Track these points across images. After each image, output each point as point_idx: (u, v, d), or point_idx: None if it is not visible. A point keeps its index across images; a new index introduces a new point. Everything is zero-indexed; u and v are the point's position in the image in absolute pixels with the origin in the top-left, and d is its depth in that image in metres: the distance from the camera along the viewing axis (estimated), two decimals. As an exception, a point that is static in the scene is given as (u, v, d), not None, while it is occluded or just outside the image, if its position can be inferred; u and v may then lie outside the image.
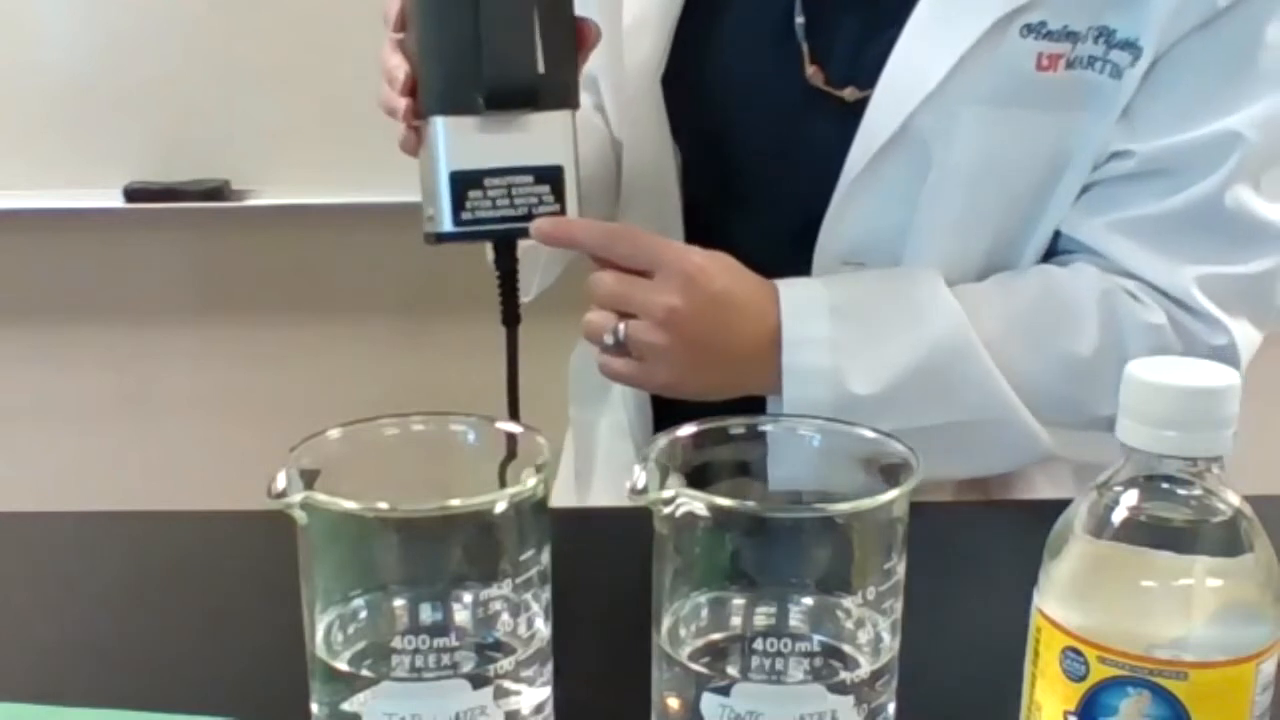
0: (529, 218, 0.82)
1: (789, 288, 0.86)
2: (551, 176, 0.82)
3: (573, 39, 0.82)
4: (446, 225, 0.81)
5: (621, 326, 0.83)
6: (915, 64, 0.87)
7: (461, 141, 0.80)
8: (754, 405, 0.88)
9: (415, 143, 0.83)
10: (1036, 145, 0.87)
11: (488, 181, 0.81)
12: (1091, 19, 0.84)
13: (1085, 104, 0.86)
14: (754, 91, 0.93)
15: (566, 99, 0.82)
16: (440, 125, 0.80)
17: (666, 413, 1.00)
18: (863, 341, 0.85)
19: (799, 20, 0.92)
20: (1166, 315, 0.88)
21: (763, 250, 0.89)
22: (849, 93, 0.91)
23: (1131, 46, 0.85)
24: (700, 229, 0.96)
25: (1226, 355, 0.88)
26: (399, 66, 0.82)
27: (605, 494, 1.08)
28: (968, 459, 0.90)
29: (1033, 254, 0.92)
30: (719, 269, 0.84)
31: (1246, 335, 0.89)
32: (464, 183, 0.80)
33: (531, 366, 0.96)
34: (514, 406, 0.87)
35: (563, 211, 0.82)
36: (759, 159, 0.95)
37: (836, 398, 0.83)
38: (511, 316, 0.87)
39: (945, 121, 0.86)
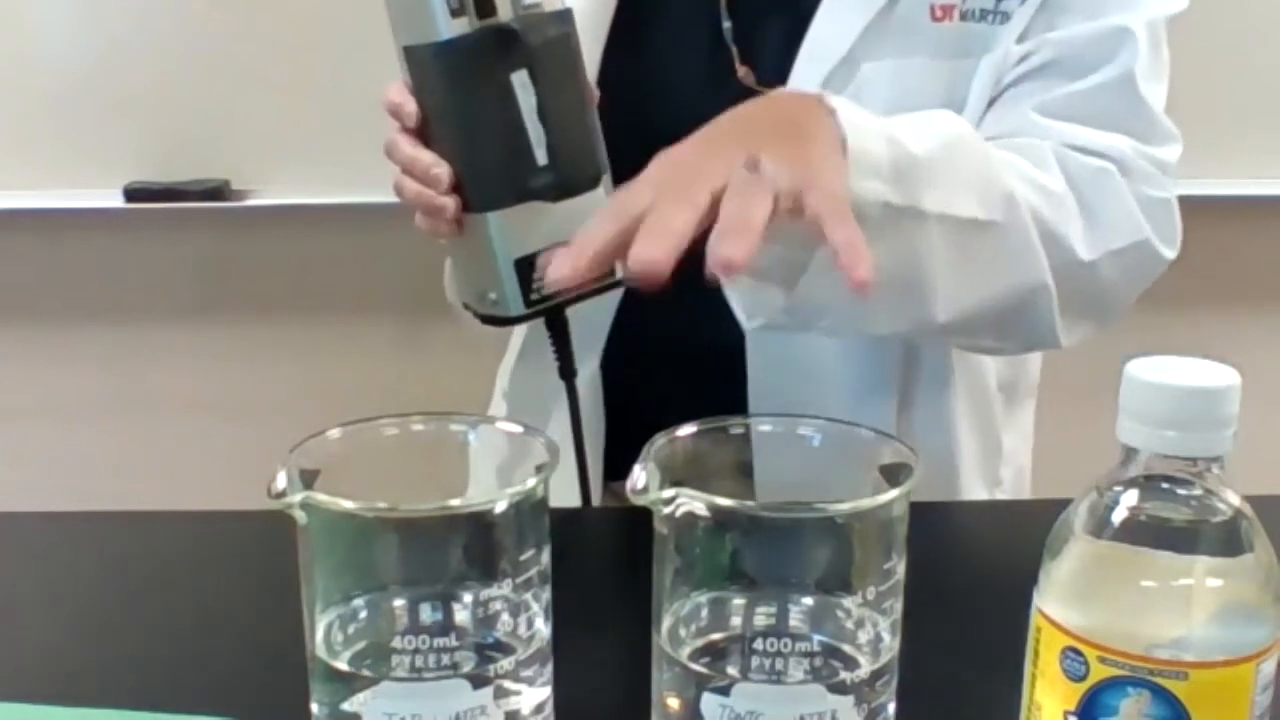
0: (583, 283, 0.81)
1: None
2: None
3: (593, 108, 0.84)
4: (517, 308, 0.83)
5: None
6: (823, 41, 0.90)
7: (519, 229, 0.81)
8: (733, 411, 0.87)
9: (453, 232, 0.82)
10: (935, 90, 0.89)
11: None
12: None
13: (976, 51, 0.91)
14: (689, 98, 0.93)
15: (603, 167, 0.84)
16: (497, 219, 0.81)
17: (620, 426, 1.00)
18: (906, 125, 0.82)
19: (726, 25, 0.95)
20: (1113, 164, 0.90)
21: (700, 245, 0.88)
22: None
23: None
24: None
25: (1165, 210, 0.91)
26: (436, 164, 0.80)
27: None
28: (990, 272, 0.86)
29: None
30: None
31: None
32: (526, 266, 0.82)
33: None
34: (581, 457, 0.87)
35: (610, 271, 0.83)
36: None
37: (895, 156, 0.78)
38: (568, 370, 0.88)
39: (852, 82, 0.89)
